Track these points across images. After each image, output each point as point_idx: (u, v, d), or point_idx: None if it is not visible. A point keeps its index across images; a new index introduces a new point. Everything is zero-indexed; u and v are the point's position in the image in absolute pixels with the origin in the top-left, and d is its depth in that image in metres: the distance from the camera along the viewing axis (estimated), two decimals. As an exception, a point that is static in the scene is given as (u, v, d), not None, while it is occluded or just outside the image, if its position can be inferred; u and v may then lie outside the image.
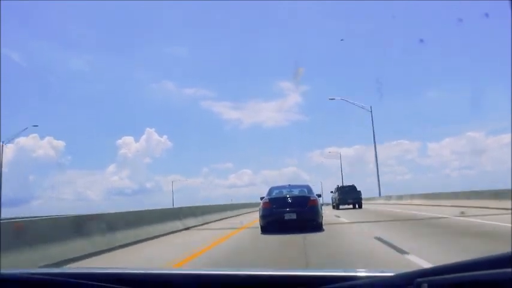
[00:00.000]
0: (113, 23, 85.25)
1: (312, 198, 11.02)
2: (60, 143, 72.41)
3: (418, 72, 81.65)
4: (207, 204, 19.74)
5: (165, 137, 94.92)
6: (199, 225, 14.71)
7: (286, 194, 11.66)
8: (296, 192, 12.12)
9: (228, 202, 27.14)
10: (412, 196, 28.16)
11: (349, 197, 28.74)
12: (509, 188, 14.20)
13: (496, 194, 15.90)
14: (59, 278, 1.38)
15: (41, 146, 73.27)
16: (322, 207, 12.63)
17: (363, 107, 40.84)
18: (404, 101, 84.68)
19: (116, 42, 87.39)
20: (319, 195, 12.36)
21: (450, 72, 78.93)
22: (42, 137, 75.79)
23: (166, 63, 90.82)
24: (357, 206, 28.12)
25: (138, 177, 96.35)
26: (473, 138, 68.58)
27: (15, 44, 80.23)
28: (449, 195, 20.97)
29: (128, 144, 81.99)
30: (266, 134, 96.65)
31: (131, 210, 11.66)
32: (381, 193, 40.13)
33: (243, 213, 24.55)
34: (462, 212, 13.67)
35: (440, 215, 13.97)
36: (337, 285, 1.13)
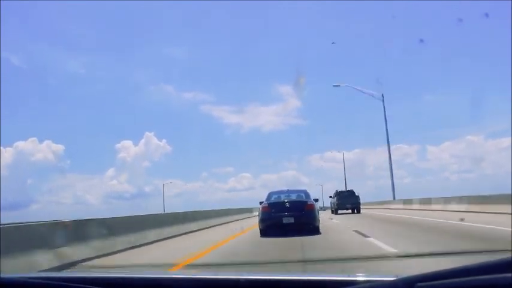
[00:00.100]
0: (112, 25, 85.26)
1: (309, 203, 11.57)
2: (59, 147, 72.24)
3: (417, 75, 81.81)
4: (194, 210, 18.20)
5: (164, 141, 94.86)
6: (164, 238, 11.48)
7: (285, 199, 12.05)
8: (294, 197, 12.49)
9: (223, 207, 26.31)
10: (448, 200, 20.89)
11: (347, 202, 28.98)
12: None
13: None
14: (56, 283, 1.38)
15: (39, 149, 73.15)
16: (324, 211, 13.96)
17: (372, 95, 36.86)
18: (403, 105, 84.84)
19: (115, 44, 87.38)
20: (317, 200, 12.98)
21: (449, 75, 79.02)
22: (41, 141, 75.86)
23: (165, 66, 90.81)
24: (355, 211, 28.25)
25: (137, 181, 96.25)
26: (472, 141, 68.61)
27: (14, 47, 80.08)
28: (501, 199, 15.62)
29: (127, 148, 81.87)
30: (265, 138, 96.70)
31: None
32: (393, 196, 38.32)
33: (235, 221, 21.51)
34: None
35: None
36: None
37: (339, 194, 30.26)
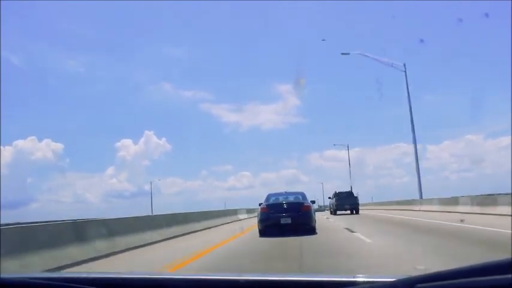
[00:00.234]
0: (111, 25, 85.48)
1: (305, 204, 12.25)
2: (59, 146, 72.20)
3: (417, 74, 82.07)
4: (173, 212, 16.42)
5: (163, 139, 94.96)
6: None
7: (282, 200, 12.71)
8: (291, 198, 13.14)
9: (223, 207, 26.10)
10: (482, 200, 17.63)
11: (346, 202, 29.18)
12: None
13: None
14: (57, 283, 1.38)
15: (39, 148, 73.10)
16: (323, 211, 14.73)
17: (392, 65, 31.19)
18: (403, 104, 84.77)
19: (114, 44, 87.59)
20: (313, 202, 13.91)
21: (449, 75, 79.30)
22: (40, 140, 75.86)
23: (165, 65, 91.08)
24: (354, 211, 28.44)
25: (137, 179, 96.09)
26: (471, 141, 68.61)
27: (14, 46, 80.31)
28: None
29: (127, 147, 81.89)
30: (265, 137, 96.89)
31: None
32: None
33: (219, 225, 18.54)
34: None
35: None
36: None
37: (338, 195, 30.33)
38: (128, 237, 9.87)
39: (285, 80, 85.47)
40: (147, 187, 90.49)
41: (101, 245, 8.54)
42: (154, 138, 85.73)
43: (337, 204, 29.26)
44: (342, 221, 18.96)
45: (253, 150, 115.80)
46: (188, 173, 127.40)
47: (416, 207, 25.47)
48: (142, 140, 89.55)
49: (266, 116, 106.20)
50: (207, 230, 16.09)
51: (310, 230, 11.47)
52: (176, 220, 14.33)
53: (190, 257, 7.87)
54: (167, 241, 11.59)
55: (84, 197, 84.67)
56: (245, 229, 14.61)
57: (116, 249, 8.88)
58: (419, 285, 0.95)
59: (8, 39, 75.28)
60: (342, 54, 34.13)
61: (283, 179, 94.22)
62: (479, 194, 19.14)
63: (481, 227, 10.95)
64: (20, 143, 72.88)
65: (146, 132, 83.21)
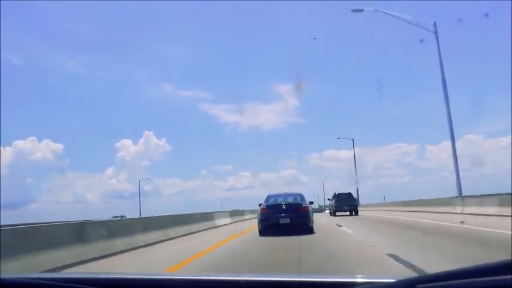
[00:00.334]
0: (111, 25, 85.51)
1: (303, 205, 12.79)
2: (59, 146, 72.11)
3: (416, 74, 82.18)
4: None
5: (163, 139, 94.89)
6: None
7: (282, 201, 13.22)
8: (290, 199, 13.67)
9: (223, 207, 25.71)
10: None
11: (345, 204, 29.60)
12: None
13: None
14: (57, 283, 1.38)
15: (39, 149, 73.00)
16: (322, 212, 15.41)
17: (418, 25, 25.49)
18: (403, 104, 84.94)
19: (114, 44, 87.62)
20: (311, 203, 14.50)
21: (449, 74, 79.30)
22: (40, 140, 75.79)
23: (164, 65, 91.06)
24: (353, 213, 28.77)
25: (137, 180, 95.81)
26: (471, 140, 68.51)
27: (13, 47, 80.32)
28: None
29: (126, 147, 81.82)
30: (265, 137, 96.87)
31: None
32: (376, 199, 37.57)
33: (222, 225, 18.30)
34: None
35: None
36: None
37: (337, 197, 30.69)
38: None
39: (284, 80, 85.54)
40: (147, 187, 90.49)
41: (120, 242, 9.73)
42: (154, 139, 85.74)
43: (336, 206, 29.63)
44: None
45: (253, 150, 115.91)
46: (188, 173, 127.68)
47: (456, 209, 18.72)
48: (142, 140, 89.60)
49: (266, 116, 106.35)
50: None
51: (308, 229, 12.03)
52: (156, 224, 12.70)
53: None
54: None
55: (84, 197, 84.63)
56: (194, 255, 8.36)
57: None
58: (419, 285, 0.95)
59: (8, 39, 75.36)
60: (354, 10, 30.20)
61: (283, 179, 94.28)
62: (479, 194, 18.99)
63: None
64: (19, 143, 72.84)
65: (146, 132, 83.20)
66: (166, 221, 13.66)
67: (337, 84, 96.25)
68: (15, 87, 78.79)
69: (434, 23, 25.55)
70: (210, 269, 6.49)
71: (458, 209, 18.55)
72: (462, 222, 13.09)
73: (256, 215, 16.04)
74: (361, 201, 47.68)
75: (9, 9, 68.96)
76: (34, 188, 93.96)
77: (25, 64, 78.68)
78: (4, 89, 78.46)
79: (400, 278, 1.08)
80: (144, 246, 10.28)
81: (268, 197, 13.83)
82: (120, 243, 9.50)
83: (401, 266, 5.78)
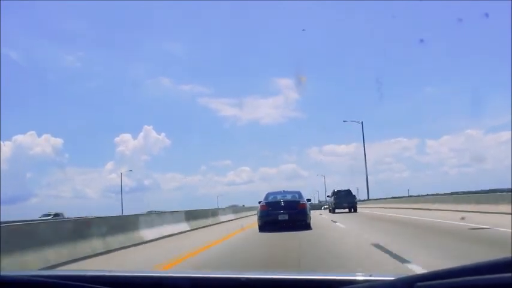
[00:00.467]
0: (110, 20, 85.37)
1: (301, 202, 13.38)
2: (58, 141, 72.00)
3: (417, 70, 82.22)
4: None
5: (163, 134, 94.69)
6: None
7: (280, 199, 13.71)
8: (289, 197, 14.12)
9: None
10: None
11: (344, 201, 29.68)
12: None
13: None
14: (57, 281, 1.38)
15: (38, 143, 72.87)
16: (321, 209, 15.38)
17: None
18: (403, 99, 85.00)
19: (113, 39, 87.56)
20: (309, 200, 15.30)
21: (449, 70, 79.48)
22: (39, 135, 75.66)
23: (164, 60, 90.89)
24: (352, 210, 28.92)
25: (136, 174, 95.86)
26: (471, 135, 68.49)
27: (13, 43, 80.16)
28: None
29: (126, 142, 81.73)
30: (264, 131, 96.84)
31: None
32: (381, 195, 36.87)
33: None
34: None
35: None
36: None
37: (336, 194, 30.82)
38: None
39: (284, 74, 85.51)
40: (146, 182, 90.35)
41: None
42: (154, 133, 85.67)
43: (335, 203, 29.82)
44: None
45: (253, 144, 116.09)
46: (187, 168, 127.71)
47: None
48: (141, 135, 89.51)
49: (265, 110, 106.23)
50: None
51: (305, 225, 12.61)
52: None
53: None
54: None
55: (84, 192, 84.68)
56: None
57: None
58: (419, 283, 0.95)
59: (7, 36, 75.13)
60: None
61: (283, 173, 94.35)
62: (479, 189, 18.85)
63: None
64: (19, 138, 72.75)
65: (145, 127, 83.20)
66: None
67: (337, 79, 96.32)
68: (15, 83, 78.74)
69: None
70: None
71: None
72: (462, 218, 13.10)
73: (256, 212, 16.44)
74: (363, 197, 47.06)
75: (9, 6, 68.76)
76: (34, 182, 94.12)
77: (25, 60, 78.58)
78: (4, 84, 78.35)
79: (400, 276, 1.08)
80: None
81: (268, 195, 14.43)
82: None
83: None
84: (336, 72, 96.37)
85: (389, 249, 7.14)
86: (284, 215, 12.67)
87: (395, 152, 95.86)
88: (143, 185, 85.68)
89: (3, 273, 1.45)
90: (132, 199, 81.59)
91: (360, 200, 44.98)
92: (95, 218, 10.87)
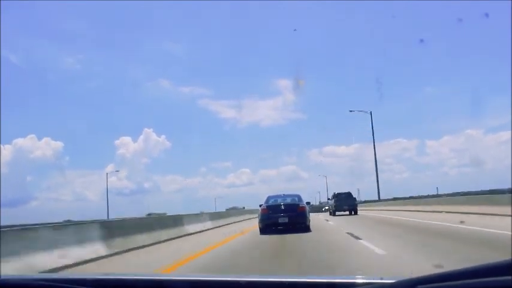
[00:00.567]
0: (110, 22, 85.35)
1: (301, 206, 13.76)
2: (58, 144, 71.90)
3: (416, 70, 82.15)
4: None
5: (163, 136, 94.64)
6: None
7: (281, 202, 14.15)
8: (288, 200, 14.53)
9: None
10: None
11: (345, 203, 29.84)
12: None
13: None
14: (56, 284, 1.38)
15: (38, 146, 72.80)
16: (321, 212, 15.29)
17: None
18: (403, 99, 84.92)
19: (113, 41, 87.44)
20: (308, 203, 15.58)
21: (449, 70, 79.48)
22: (40, 138, 75.61)
23: (163, 62, 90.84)
24: (352, 212, 29.02)
25: (137, 177, 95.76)
26: (471, 136, 68.32)
27: (13, 45, 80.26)
28: None
29: (126, 145, 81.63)
30: (264, 133, 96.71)
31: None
32: (381, 195, 34.98)
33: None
34: None
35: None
36: None
37: (337, 196, 30.94)
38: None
39: (283, 75, 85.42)
40: (146, 184, 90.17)
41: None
42: (154, 136, 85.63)
43: (336, 206, 29.91)
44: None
45: (253, 146, 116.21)
46: (187, 170, 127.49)
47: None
48: (141, 137, 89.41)
49: (265, 112, 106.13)
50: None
51: (305, 228, 12.95)
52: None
53: None
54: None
55: (84, 195, 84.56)
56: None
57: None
58: (420, 286, 0.95)
59: (7, 38, 75.27)
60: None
61: (283, 175, 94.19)
62: (479, 190, 18.65)
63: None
64: (19, 141, 72.66)
65: (145, 129, 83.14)
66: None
67: (337, 79, 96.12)
68: (15, 86, 78.66)
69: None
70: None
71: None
72: (462, 222, 13.07)
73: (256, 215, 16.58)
74: (364, 198, 45.95)
75: (8, 7, 68.79)
76: (34, 186, 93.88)
77: (24, 62, 78.60)
78: (4, 87, 78.36)
79: (400, 279, 1.08)
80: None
81: (268, 198, 14.84)
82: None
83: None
84: (336, 73, 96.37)
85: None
86: (284, 217, 13.08)
87: (395, 153, 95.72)
88: (143, 188, 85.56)
89: (4, 276, 1.46)
90: (132, 201, 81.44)
91: (362, 202, 44.37)
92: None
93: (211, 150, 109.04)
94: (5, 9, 65.89)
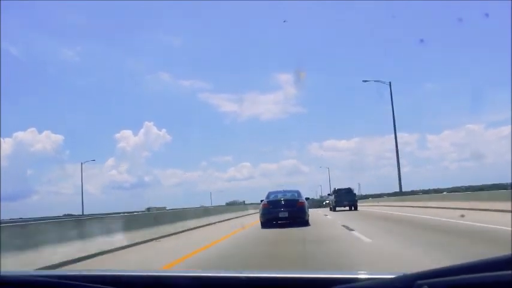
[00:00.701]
0: (109, 15, 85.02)
1: (300, 201, 14.53)
2: (59, 137, 71.72)
3: (417, 66, 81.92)
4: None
5: (164, 130, 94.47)
6: None
7: (281, 197, 14.84)
8: (288, 195, 15.28)
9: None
10: None
11: (345, 199, 29.97)
12: None
13: None
14: (57, 280, 1.38)
15: (39, 140, 72.66)
16: (324, 203, 15.07)
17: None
18: (404, 94, 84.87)
19: (113, 34, 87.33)
20: (307, 199, 16.30)
21: (449, 67, 79.35)
22: (40, 131, 75.51)
23: (164, 55, 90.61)
24: (352, 208, 29.19)
25: (137, 171, 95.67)
26: (472, 130, 68.34)
27: (13, 38, 79.99)
28: None
29: (127, 138, 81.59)
30: (265, 127, 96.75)
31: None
32: (380, 190, 35.35)
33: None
34: None
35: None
36: (337, 287, 1.13)
37: (337, 192, 31.16)
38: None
39: (284, 69, 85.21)
40: (147, 178, 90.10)
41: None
42: (154, 129, 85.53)
43: (336, 201, 30.05)
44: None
45: (253, 140, 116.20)
46: (188, 164, 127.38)
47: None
48: (142, 131, 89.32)
49: (265, 105, 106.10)
50: None
51: (304, 222, 13.59)
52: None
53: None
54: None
55: (84, 188, 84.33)
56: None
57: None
58: (419, 281, 0.95)
59: (7, 31, 75.02)
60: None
61: (284, 169, 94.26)
62: (480, 184, 18.43)
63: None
64: (19, 134, 72.52)
65: (146, 123, 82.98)
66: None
67: (338, 74, 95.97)
68: (15, 79, 78.44)
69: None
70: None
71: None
72: (462, 215, 13.07)
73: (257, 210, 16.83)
74: (365, 193, 45.44)
75: (8, 1, 68.36)
76: (34, 179, 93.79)
77: (24, 55, 78.34)
78: (4, 80, 78.15)
79: (400, 274, 1.08)
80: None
81: (269, 194, 15.50)
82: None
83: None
84: (337, 67, 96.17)
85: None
86: (284, 212, 13.76)
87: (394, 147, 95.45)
88: (143, 181, 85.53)
89: (3, 272, 1.45)
90: (132, 195, 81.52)
91: (363, 197, 44.16)
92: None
93: (212, 144, 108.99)
94: (5, 2, 65.57)
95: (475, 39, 71.42)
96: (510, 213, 12.84)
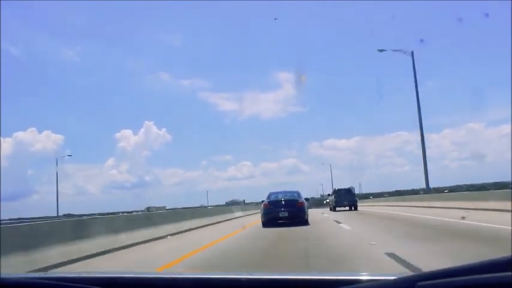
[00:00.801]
0: (109, 15, 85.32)
1: (300, 201, 15.02)
2: (59, 137, 71.50)
3: (417, 64, 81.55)
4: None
5: (164, 129, 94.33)
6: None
7: (281, 198, 15.29)
8: (288, 196, 15.74)
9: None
10: None
11: (344, 199, 30.08)
12: None
13: None
14: (56, 282, 1.38)
15: (39, 140, 72.47)
16: (324, 202, 15.31)
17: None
18: (404, 93, 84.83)
19: (112, 34, 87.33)
20: (307, 199, 17.07)
21: (450, 66, 79.36)
22: (40, 131, 75.38)
23: (164, 55, 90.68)
24: (352, 208, 29.29)
25: (137, 170, 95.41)
26: (473, 129, 68.25)
27: (13, 38, 79.97)
28: None
29: (127, 138, 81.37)
30: (265, 126, 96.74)
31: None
32: (381, 189, 34.85)
33: None
34: None
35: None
36: None
37: (337, 192, 31.22)
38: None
39: (284, 68, 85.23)
40: (147, 178, 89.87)
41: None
42: (154, 129, 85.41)
43: (336, 201, 30.07)
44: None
45: (253, 139, 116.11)
46: (188, 163, 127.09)
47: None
48: (142, 130, 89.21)
49: (265, 104, 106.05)
50: None
51: (303, 222, 14.04)
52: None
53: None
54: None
55: (85, 189, 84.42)
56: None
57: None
58: (420, 283, 0.95)
59: (7, 30, 75.02)
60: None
61: (284, 168, 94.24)
62: (480, 182, 18.39)
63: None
64: (20, 134, 72.38)
65: (146, 122, 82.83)
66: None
67: (338, 73, 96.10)
68: (15, 79, 78.40)
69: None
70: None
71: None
72: (463, 217, 13.04)
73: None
74: (365, 191, 45.28)
75: (8, 1, 68.42)
76: (34, 179, 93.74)
77: (24, 55, 78.35)
78: (4, 80, 78.16)
79: (401, 275, 1.08)
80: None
81: (270, 194, 15.97)
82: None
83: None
84: (337, 66, 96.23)
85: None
86: (284, 212, 14.28)
87: (396, 146, 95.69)
88: (144, 181, 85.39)
89: (3, 275, 1.45)
90: (132, 195, 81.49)
91: (363, 195, 43.97)
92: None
93: (212, 143, 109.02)
94: (5, 2, 65.60)
95: (475, 39, 71.52)
96: (510, 213, 12.91)
